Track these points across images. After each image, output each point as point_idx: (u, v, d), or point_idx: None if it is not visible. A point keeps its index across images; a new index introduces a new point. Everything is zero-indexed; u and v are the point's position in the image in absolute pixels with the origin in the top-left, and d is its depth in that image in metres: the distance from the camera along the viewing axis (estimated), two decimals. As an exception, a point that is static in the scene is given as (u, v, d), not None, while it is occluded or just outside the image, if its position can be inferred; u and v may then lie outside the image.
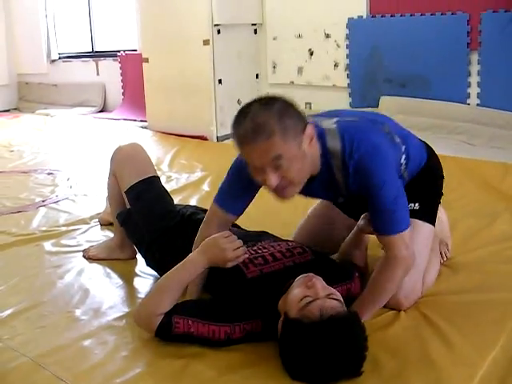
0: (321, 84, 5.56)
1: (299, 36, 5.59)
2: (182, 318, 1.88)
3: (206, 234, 2.09)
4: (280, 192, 1.83)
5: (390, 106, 5.10)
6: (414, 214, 2.13)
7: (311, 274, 1.83)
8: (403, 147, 2.07)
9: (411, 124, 4.89)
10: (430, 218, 2.23)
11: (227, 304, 1.93)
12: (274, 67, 5.83)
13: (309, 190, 2.00)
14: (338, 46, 5.37)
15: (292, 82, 5.74)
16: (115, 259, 2.70)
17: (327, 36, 5.42)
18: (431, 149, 2.35)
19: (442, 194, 2.34)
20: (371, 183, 1.86)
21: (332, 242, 2.38)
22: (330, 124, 1.96)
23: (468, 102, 4.76)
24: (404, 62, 5.02)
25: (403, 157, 2.06)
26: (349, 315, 1.73)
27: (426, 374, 1.73)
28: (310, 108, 5.67)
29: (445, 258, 2.48)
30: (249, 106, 1.78)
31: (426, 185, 2.24)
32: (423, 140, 2.34)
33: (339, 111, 2.19)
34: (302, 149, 1.78)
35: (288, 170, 1.77)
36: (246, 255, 1.99)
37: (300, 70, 5.66)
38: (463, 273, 2.40)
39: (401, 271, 1.93)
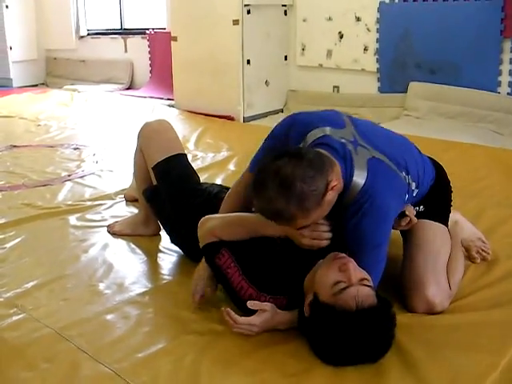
0: (350, 68, 5.50)
1: (329, 19, 5.53)
2: (229, 256, 1.92)
3: (233, 192, 2.16)
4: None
5: (419, 92, 5.05)
6: (420, 216, 2.11)
7: (343, 255, 1.79)
8: (416, 191, 2.05)
9: (440, 111, 4.87)
10: (438, 219, 2.18)
11: (261, 271, 1.92)
12: (303, 49, 5.79)
13: None
14: (369, 29, 5.31)
15: (321, 65, 5.70)
16: (139, 235, 2.72)
17: (358, 19, 5.35)
18: (436, 163, 2.30)
19: (451, 200, 2.31)
20: (366, 241, 1.83)
21: None
22: (363, 156, 1.87)
23: (498, 90, 4.70)
24: (435, 48, 4.95)
25: (414, 193, 2.05)
26: (382, 306, 1.70)
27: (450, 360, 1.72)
28: (338, 91, 5.63)
29: (485, 255, 2.39)
30: (265, 183, 1.68)
31: (431, 193, 2.20)
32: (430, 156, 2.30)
33: (374, 130, 2.11)
34: (324, 203, 1.72)
35: (314, 226, 1.82)
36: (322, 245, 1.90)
37: (329, 53, 5.60)
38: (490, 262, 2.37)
39: None
